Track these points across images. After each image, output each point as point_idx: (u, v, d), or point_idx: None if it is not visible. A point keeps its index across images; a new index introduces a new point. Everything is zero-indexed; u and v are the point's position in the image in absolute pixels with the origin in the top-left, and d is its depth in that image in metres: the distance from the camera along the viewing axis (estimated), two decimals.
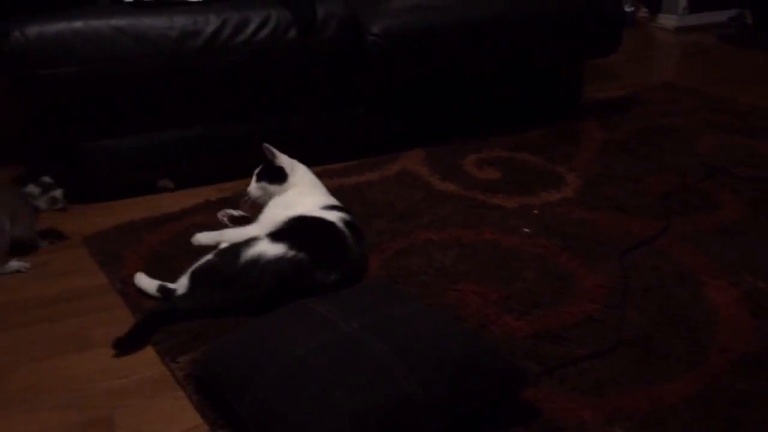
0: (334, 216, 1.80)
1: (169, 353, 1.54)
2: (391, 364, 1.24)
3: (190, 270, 1.68)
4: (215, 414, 1.36)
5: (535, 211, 2.15)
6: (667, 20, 4.59)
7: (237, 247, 1.68)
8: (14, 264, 1.91)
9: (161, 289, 1.70)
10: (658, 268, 1.84)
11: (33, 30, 2.02)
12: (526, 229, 2.03)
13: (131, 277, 1.82)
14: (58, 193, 2.03)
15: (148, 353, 1.57)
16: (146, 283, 1.74)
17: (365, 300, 1.45)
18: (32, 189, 2.00)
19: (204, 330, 1.59)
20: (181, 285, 1.68)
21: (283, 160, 1.93)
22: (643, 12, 4.79)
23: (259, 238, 1.69)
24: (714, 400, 1.39)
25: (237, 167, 2.41)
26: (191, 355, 1.52)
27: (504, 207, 2.18)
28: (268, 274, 1.61)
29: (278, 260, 1.62)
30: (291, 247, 1.64)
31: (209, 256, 1.70)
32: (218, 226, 2.06)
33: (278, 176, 1.91)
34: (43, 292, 1.81)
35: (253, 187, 1.93)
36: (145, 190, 2.32)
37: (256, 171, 1.95)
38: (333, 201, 1.92)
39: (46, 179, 2.02)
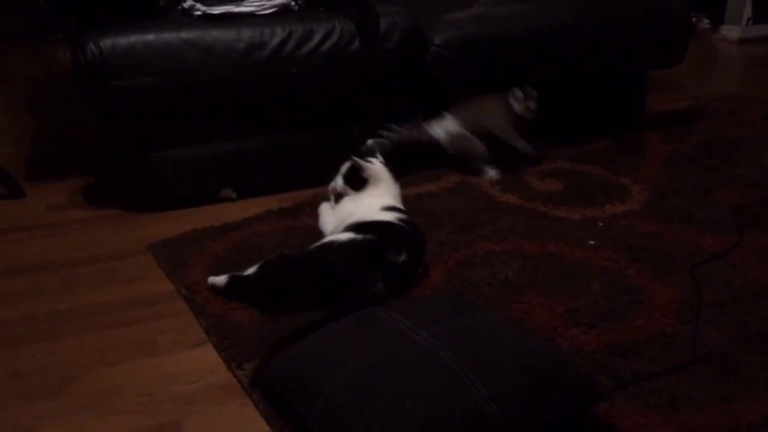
0: (391, 216, 1.83)
1: (235, 360, 1.55)
2: (462, 374, 1.22)
3: (262, 261, 1.68)
4: (282, 422, 1.37)
5: (600, 223, 2.11)
6: (730, 31, 4.47)
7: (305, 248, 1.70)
8: (491, 172, 2.45)
9: (232, 276, 1.72)
10: (732, 282, 1.78)
11: (107, 42, 2.08)
12: (592, 242, 1.99)
13: (197, 284, 1.85)
14: (532, 104, 2.41)
15: (215, 359, 1.58)
16: (217, 279, 1.78)
17: (434, 310, 1.44)
18: (516, 93, 2.40)
19: (269, 337, 1.60)
20: (251, 271, 1.66)
21: (371, 171, 1.94)
22: (705, 23, 4.68)
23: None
24: None
25: (299, 178, 2.44)
26: (257, 362, 1.53)
27: (567, 219, 2.15)
28: (345, 255, 1.62)
29: (351, 242, 1.64)
30: (358, 233, 1.67)
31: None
32: (279, 235, 2.08)
33: (360, 184, 1.94)
34: (111, 298, 1.84)
35: (340, 185, 1.98)
36: (209, 199, 2.35)
37: (343, 171, 1.98)
38: (396, 204, 1.94)
39: (531, 91, 2.41)
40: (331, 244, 1.66)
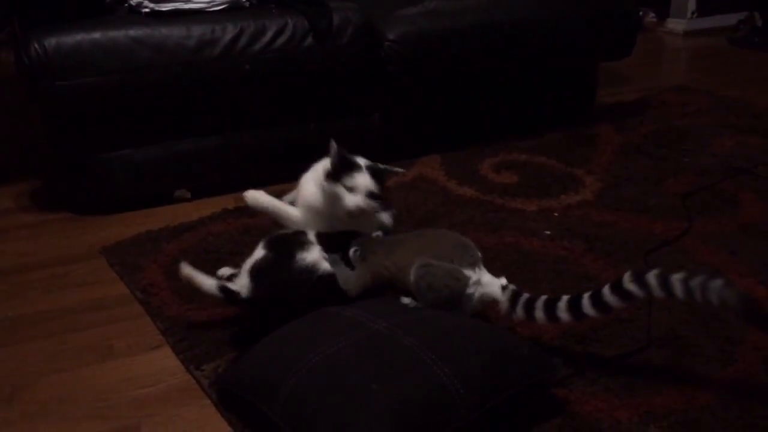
0: None
1: (194, 361, 1.53)
2: (424, 356, 1.24)
3: (247, 268, 1.56)
4: (243, 421, 1.35)
5: (555, 214, 2.14)
6: (676, 24, 4.58)
7: (290, 246, 1.57)
8: None
9: (223, 290, 1.56)
10: (684, 267, 1.81)
11: (51, 41, 2.02)
12: (548, 232, 2.02)
13: (152, 286, 1.82)
14: None
15: (173, 361, 1.56)
16: (205, 282, 1.58)
17: (392, 304, 1.44)
18: None
19: (228, 338, 1.59)
20: (243, 286, 1.55)
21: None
22: (651, 17, 4.78)
23: (311, 243, 1.59)
24: (749, 397, 1.38)
25: (255, 176, 2.40)
26: (216, 363, 1.51)
27: (523, 210, 2.17)
28: (323, 287, 1.54)
29: (332, 275, 1.55)
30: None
31: (263, 252, 1.58)
32: (235, 234, 2.06)
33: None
34: (64, 303, 1.80)
35: (368, 203, 1.62)
36: (162, 200, 2.31)
37: (328, 170, 1.65)
38: None
39: None
40: (314, 271, 1.54)
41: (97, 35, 2.08)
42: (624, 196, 2.25)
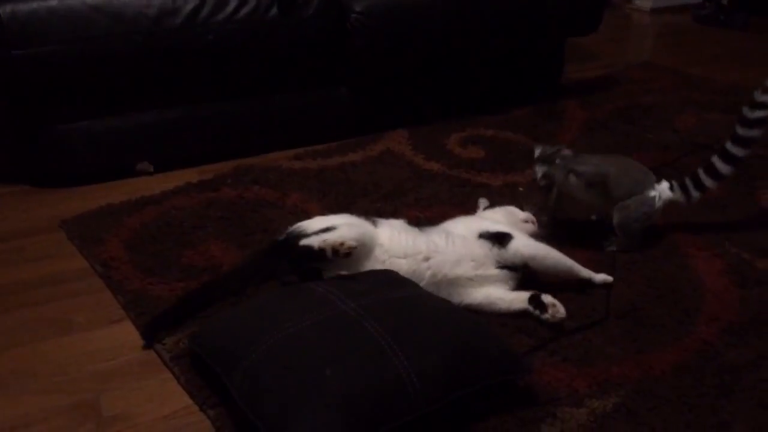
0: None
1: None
2: (385, 345, 1.23)
3: None
4: (204, 394, 1.35)
5: (521, 189, 2.15)
6: (643, 1, 4.60)
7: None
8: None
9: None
10: (646, 240, 1.85)
11: (6, 9, 1.96)
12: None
13: (113, 259, 1.79)
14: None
15: (134, 335, 1.54)
16: None
17: (365, 282, 1.42)
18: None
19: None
20: None
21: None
22: None
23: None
24: (703, 367, 1.41)
25: (219, 149, 2.38)
26: (177, 337, 1.50)
27: (489, 185, 2.18)
28: None
29: None
30: None
31: None
32: (199, 208, 2.03)
33: None
34: (22, 277, 1.77)
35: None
36: (124, 173, 2.27)
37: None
38: None
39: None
40: None
41: (53, 3, 2.02)
42: None
